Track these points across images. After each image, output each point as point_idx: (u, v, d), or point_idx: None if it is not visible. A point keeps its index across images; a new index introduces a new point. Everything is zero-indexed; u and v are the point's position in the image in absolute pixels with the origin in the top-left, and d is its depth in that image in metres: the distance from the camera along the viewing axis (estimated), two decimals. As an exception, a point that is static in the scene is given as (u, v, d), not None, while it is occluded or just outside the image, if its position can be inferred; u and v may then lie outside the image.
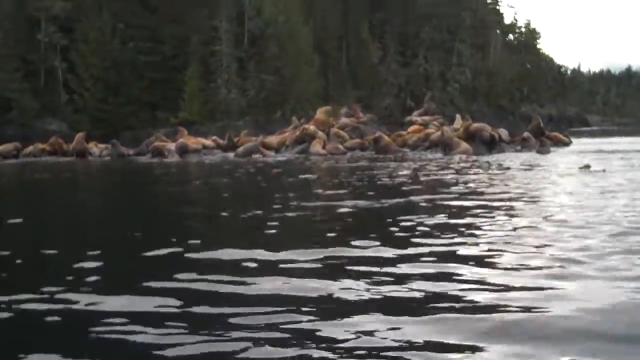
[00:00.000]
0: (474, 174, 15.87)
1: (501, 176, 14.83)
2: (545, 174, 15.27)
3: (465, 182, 13.28)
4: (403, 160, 22.33)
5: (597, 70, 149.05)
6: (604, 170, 15.73)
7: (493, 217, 8.06)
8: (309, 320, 3.92)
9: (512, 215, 8.21)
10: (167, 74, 57.68)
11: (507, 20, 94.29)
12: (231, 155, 27.81)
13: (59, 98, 54.37)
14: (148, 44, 57.98)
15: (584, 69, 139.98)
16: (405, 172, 16.94)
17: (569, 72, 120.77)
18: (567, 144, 30.06)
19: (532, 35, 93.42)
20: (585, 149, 26.73)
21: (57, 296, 4.55)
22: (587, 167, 16.88)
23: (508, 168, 17.64)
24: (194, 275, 5.07)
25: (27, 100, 51.12)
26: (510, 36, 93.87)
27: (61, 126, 50.57)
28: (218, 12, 59.69)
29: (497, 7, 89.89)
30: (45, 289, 4.69)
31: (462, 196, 10.56)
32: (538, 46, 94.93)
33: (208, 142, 29.69)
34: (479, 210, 8.60)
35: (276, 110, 57.33)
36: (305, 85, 60.33)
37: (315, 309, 4.12)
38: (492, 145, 26.28)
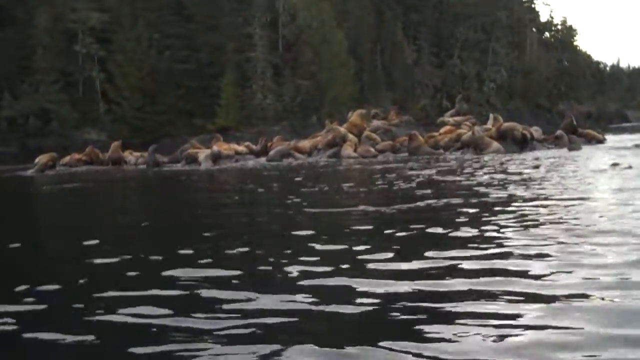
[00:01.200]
0: (500, 173, 15.90)
1: (527, 175, 14.84)
2: (569, 172, 15.24)
3: (489, 184, 13.30)
4: (434, 162, 22.39)
5: (636, 66, 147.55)
6: (630, 167, 15.71)
7: (508, 217, 8.10)
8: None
9: (530, 216, 8.24)
10: (203, 82, 58.32)
11: (543, 18, 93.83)
12: (264, 160, 28.12)
13: (98, 108, 55.27)
14: (184, 53, 58.72)
15: (623, 65, 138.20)
16: (427, 174, 17.01)
17: (607, 68, 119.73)
18: (600, 141, 29.79)
19: (568, 32, 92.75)
20: (618, 146, 26.50)
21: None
22: (615, 164, 16.86)
23: (537, 167, 17.57)
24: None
25: (66, 111, 52.04)
26: (547, 34, 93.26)
27: (100, 135, 51.40)
28: (252, 19, 60.25)
29: (533, 6, 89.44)
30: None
31: (476, 196, 10.61)
32: (575, 43, 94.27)
33: (241, 148, 30.00)
34: (489, 213, 8.66)
35: (312, 115, 57.62)
36: (341, 88, 60.51)
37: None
38: (523, 144, 26.25)
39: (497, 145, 25.80)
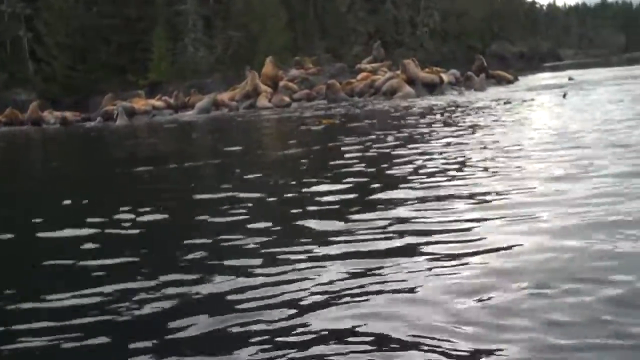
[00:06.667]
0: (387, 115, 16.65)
1: (413, 118, 15.60)
2: (455, 111, 16.07)
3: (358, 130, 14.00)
4: (343, 107, 23.10)
5: (572, 4, 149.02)
6: (508, 102, 17.03)
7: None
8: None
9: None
10: (133, 37, 57.75)
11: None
12: (186, 113, 28.58)
13: (27, 68, 54.60)
14: (112, 8, 58.01)
15: (559, 3, 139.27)
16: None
17: (544, 7, 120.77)
18: (511, 82, 30.70)
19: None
20: (525, 85, 27.49)
21: None
22: (508, 102, 18.00)
23: (431, 109, 18.33)
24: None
25: (-6, 72, 51.42)
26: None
27: (30, 95, 50.72)
28: (181, -29, 59.70)
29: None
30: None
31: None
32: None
33: (158, 102, 30.29)
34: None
35: (245, 66, 57.55)
36: (273, 39, 60.35)
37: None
38: (432, 87, 27.00)
39: (408, 90, 26.50)
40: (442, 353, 2.71)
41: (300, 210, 5.60)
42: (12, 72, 53.10)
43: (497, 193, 5.60)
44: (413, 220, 4.86)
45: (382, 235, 4.51)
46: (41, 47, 54.79)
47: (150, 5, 58.48)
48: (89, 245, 4.94)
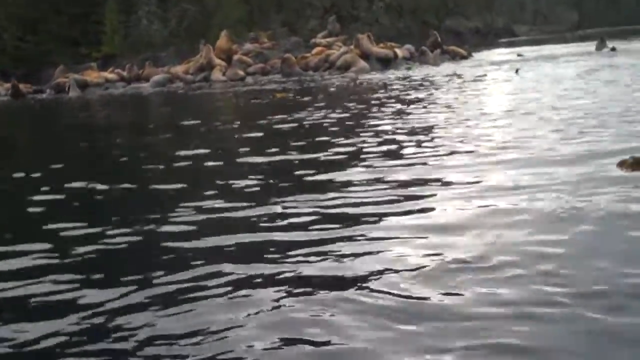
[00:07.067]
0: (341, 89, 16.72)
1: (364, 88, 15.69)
2: (407, 87, 16.19)
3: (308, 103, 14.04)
4: (297, 81, 23.12)
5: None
6: (462, 77, 17.25)
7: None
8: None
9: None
10: (86, 9, 56.85)
11: None
12: (141, 86, 28.37)
13: (-24, 40, 53.55)
14: (64, -22, 57.03)
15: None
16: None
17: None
18: (465, 57, 30.85)
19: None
20: (479, 61, 27.70)
21: None
22: (461, 77, 18.25)
23: (385, 84, 18.43)
24: None
25: (-59, 44, 50.31)
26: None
27: (-20, 68, 49.88)
28: (135, -58, 58.81)
29: None
30: None
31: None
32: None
33: (111, 75, 29.98)
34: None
35: (199, 40, 57.04)
36: (228, 12, 59.86)
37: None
38: (386, 62, 27.10)
39: (363, 65, 26.54)
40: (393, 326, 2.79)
41: (251, 186, 5.64)
42: (-40, 45, 52.02)
43: (447, 168, 5.69)
44: (359, 199, 4.92)
45: (330, 213, 4.58)
46: (-10, 18, 53.69)
47: (103, -24, 57.54)
48: (38, 212, 4.96)
